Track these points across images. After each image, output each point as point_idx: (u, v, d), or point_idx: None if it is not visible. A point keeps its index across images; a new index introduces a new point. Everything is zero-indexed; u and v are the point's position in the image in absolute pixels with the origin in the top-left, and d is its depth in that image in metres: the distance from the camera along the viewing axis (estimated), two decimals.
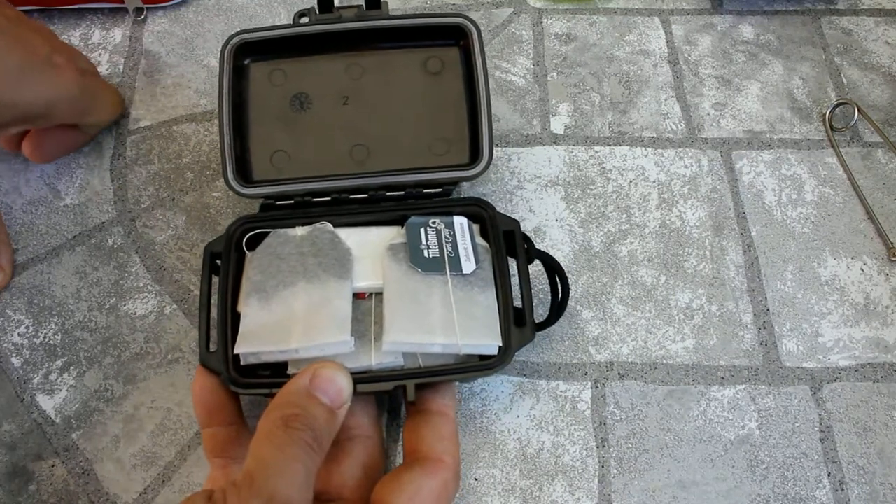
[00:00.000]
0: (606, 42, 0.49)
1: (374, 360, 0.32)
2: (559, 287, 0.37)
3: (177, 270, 0.41)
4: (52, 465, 0.36)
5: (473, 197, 0.37)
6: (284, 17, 0.50)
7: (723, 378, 0.38)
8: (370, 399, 0.34)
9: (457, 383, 0.35)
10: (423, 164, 0.38)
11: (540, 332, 0.36)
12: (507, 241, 0.36)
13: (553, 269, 0.37)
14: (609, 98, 0.47)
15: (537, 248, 0.37)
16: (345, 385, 0.29)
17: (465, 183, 0.41)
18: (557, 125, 0.46)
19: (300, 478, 0.25)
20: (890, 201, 0.43)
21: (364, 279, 0.34)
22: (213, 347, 0.33)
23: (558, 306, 0.36)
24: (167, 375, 0.38)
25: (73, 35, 0.49)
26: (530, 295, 0.34)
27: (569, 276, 0.38)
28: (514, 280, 0.35)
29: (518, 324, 0.33)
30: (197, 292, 0.40)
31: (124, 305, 0.40)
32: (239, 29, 0.38)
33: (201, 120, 0.46)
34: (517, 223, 0.36)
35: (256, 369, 0.33)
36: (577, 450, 0.36)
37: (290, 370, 0.32)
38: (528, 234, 0.42)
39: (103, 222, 0.43)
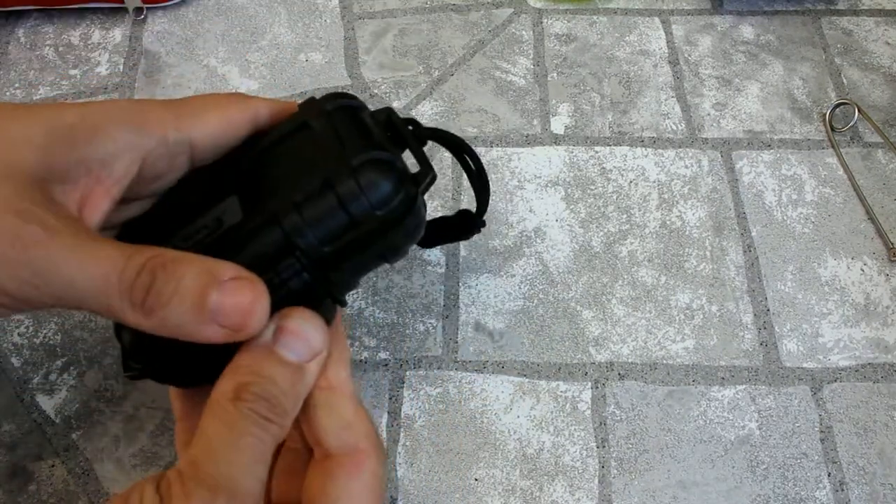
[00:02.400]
0: (607, 42, 0.50)
1: None
2: (471, 164, 0.31)
3: None
4: (52, 465, 0.36)
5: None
6: (285, 18, 0.50)
7: (723, 378, 0.38)
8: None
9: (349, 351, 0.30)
10: None
11: (541, 332, 0.36)
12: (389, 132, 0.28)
13: (457, 146, 0.31)
14: (609, 98, 0.47)
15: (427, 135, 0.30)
16: (315, 334, 0.24)
17: None
18: (557, 125, 0.46)
19: (249, 458, 0.21)
20: (890, 201, 0.43)
21: None
22: None
23: (480, 187, 0.31)
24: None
25: (73, 35, 0.49)
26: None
27: (569, 276, 0.38)
28: None
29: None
30: None
31: None
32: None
33: None
34: (389, 108, 0.29)
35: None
36: (577, 450, 0.36)
37: None
38: (528, 234, 0.42)
39: None
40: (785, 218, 0.43)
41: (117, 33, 0.49)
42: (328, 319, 0.26)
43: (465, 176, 0.31)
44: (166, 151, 0.26)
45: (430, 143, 0.30)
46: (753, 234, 0.42)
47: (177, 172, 0.27)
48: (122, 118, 0.25)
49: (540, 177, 0.44)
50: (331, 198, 0.24)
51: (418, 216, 0.26)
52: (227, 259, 0.23)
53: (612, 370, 0.38)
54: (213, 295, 0.22)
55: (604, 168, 0.44)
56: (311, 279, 0.25)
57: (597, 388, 0.38)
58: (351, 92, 0.33)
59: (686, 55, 0.49)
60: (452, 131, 0.32)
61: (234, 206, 0.26)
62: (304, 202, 0.24)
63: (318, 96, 0.28)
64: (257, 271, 0.23)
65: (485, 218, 0.33)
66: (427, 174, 0.26)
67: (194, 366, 0.25)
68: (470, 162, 0.32)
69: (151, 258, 0.22)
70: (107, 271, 0.22)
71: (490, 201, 0.37)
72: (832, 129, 0.46)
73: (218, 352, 0.23)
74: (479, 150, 0.45)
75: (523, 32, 0.50)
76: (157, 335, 0.23)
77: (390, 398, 0.37)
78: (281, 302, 0.24)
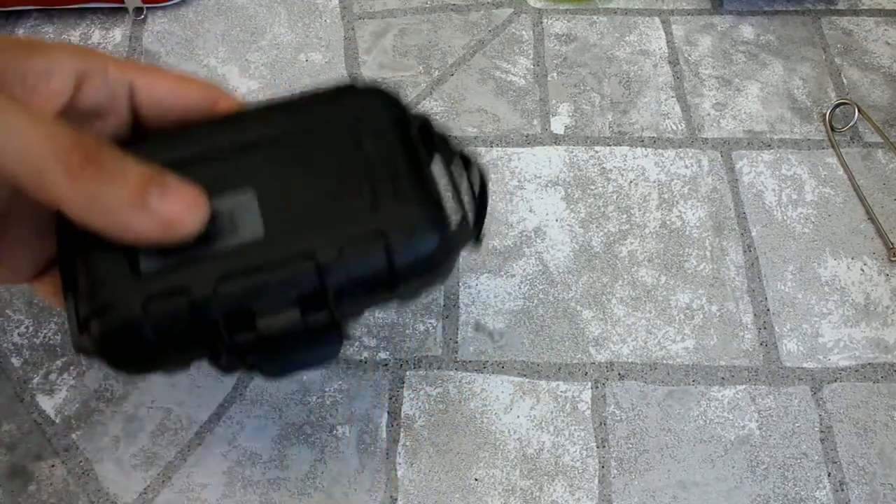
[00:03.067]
0: (607, 42, 0.50)
1: None
2: (476, 183, 0.29)
3: None
4: (52, 465, 0.36)
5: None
6: (285, 18, 0.50)
7: (723, 378, 0.38)
8: None
9: None
10: None
11: (541, 332, 0.36)
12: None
13: (470, 164, 0.29)
14: (609, 98, 0.47)
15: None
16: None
17: None
18: (557, 125, 0.46)
19: None
20: (890, 202, 0.43)
21: None
22: None
23: (480, 206, 0.29)
24: (167, 375, 0.38)
25: (73, 35, 0.49)
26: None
27: (569, 276, 0.38)
28: None
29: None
30: None
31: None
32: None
33: None
34: (426, 118, 0.28)
35: None
36: (577, 450, 0.36)
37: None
38: (528, 234, 0.42)
39: None
40: (785, 218, 0.43)
41: (117, 33, 0.49)
42: (334, 353, 0.25)
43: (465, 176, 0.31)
44: (103, 84, 0.25)
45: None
46: (753, 234, 0.42)
47: (118, 118, 0.26)
48: (69, 46, 0.25)
49: (540, 177, 0.44)
50: (379, 247, 0.23)
51: (450, 268, 0.26)
52: (247, 277, 0.23)
53: (612, 370, 0.38)
54: (156, 189, 0.22)
55: (604, 168, 0.44)
56: (330, 317, 0.24)
57: (597, 388, 0.38)
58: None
59: (686, 55, 0.49)
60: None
61: (252, 207, 0.24)
62: (350, 245, 0.23)
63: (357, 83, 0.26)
64: (276, 299, 0.23)
65: (485, 219, 0.32)
66: (466, 231, 0.26)
67: (154, 347, 0.23)
68: (477, 181, 0.31)
69: (102, 139, 0.22)
70: (48, 130, 0.21)
71: (490, 201, 0.37)
72: (832, 129, 0.46)
73: (179, 335, 0.22)
74: (479, 150, 0.45)
75: (523, 32, 0.50)
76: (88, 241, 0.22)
77: (390, 398, 0.37)
78: (293, 337, 0.23)
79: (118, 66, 0.26)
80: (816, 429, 0.37)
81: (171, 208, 0.22)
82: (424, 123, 0.28)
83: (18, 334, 0.39)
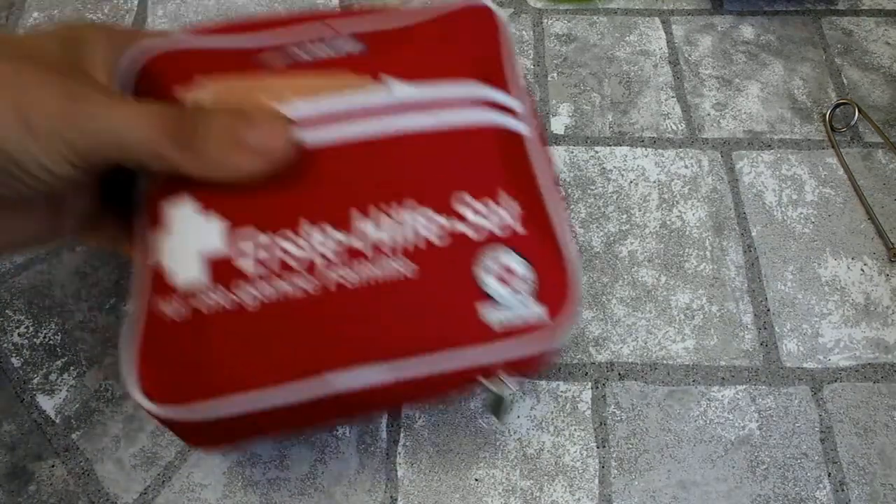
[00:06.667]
0: (607, 42, 0.50)
1: None
2: None
3: None
4: (52, 466, 0.36)
5: None
6: None
7: (723, 378, 0.38)
8: None
9: None
10: None
11: None
12: None
13: None
14: (609, 98, 0.47)
15: None
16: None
17: None
18: (558, 125, 0.46)
19: None
20: (890, 202, 0.43)
21: None
22: None
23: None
24: None
25: None
26: None
27: None
28: None
29: None
30: None
31: (124, 305, 0.40)
32: None
33: None
34: None
35: None
36: (577, 450, 0.36)
37: None
38: None
39: None
40: (785, 218, 0.43)
41: None
42: None
43: None
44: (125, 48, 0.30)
45: None
46: (753, 234, 0.42)
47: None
48: (95, 28, 0.29)
49: None
50: None
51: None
52: None
53: (613, 370, 0.38)
54: (245, 125, 0.26)
55: (604, 168, 0.44)
56: None
57: (597, 388, 0.38)
58: None
59: (686, 55, 0.49)
60: None
61: None
62: None
63: None
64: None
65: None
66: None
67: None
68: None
69: (189, 106, 0.27)
70: (152, 115, 0.25)
71: None
72: (832, 129, 0.46)
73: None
74: None
75: (523, 32, 0.50)
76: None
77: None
78: None
79: (143, 36, 0.30)
80: (816, 429, 0.37)
81: (263, 137, 0.26)
82: None
83: (18, 334, 0.39)
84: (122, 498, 0.35)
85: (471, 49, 0.31)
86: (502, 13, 0.32)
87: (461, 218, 0.28)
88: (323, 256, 0.27)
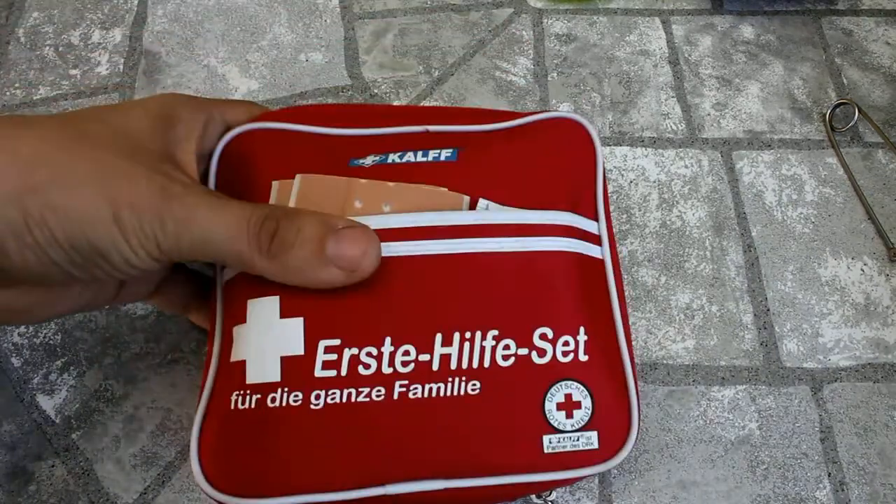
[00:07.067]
0: (607, 42, 0.50)
1: None
2: None
3: None
4: (52, 465, 0.36)
5: None
6: (285, 19, 0.50)
7: (723, 378, 0.38)
8: None
9: None
10: None
11: None
12: None
13: None
14: (609, 98, 0.47)
15: None
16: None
17: None
18: None
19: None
20: (890, 201, 0.43)
21: None
22: None
23: None
24: (167, 375, 0.38)
25: (73, 35, 0.49)
26: None
27: None
28: None
29: None
30: None
31: (124, 305, 0.40)
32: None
33: None
34: None
35: None
36: None
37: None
38: None
39: None
40: (785, 218, 0.43)
41: (117, 33, 0.49)
42: None
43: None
44: (219, 126, 0.32)
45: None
46: (753, 234, 0.42)
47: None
48: (184, 103, 0.30)
49: None
50: None
51: None
52: None
53: None
54: (331, 240, 0.26)
55: (604, 168, 0.44)
56: None
57: None
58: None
59: (686, 55, 0.49)
60: None
61: None
62: None
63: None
64: None
65: None
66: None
67: None
68: None
69: (273, 209, 0.26)
70: (237, 220, 0.26)
71: None
72: (832, 129, 0.46)
73: None
74: None
75: (523, 32, 0.50)
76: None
77: None
78: None
79: (225, 105, 0.31)
80: (816, 429, 0.37)
81: (348, 253, 0.26)
82: None
83: (18, 334, 0.39)
84: (122, 498, 0.35)
85: (567, 175, 0.32)
86: (595, 132, 0.33)
87: (541, 353, 0.29)
88: (400, 373, 0.28)
